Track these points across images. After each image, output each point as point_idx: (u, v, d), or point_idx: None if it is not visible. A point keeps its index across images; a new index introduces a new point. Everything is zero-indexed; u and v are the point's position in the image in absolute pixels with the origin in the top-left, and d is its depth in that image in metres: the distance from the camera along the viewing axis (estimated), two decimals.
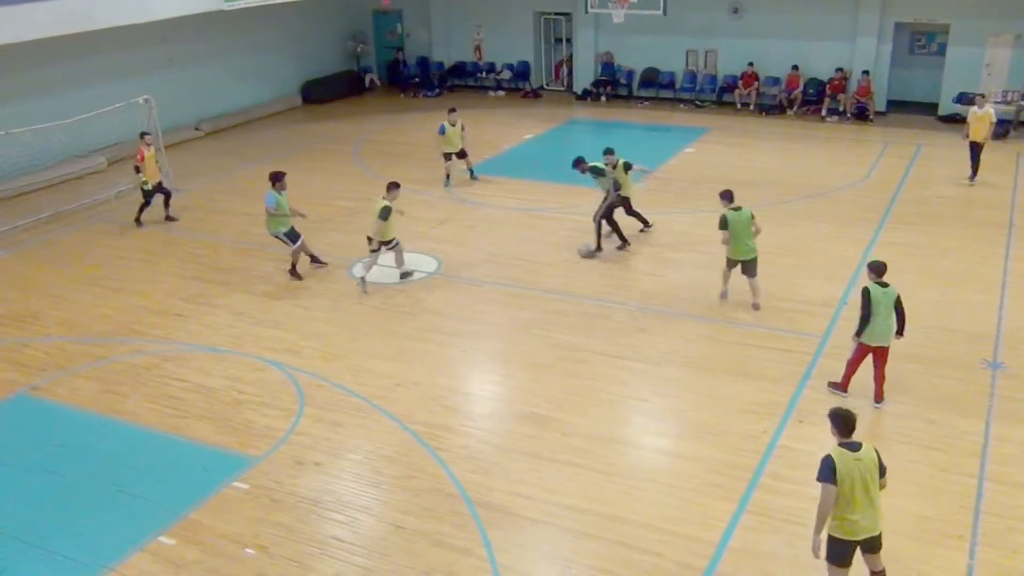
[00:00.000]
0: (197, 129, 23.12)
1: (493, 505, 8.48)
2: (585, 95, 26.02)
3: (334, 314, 12.71)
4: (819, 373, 10.60)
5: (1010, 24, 21.37)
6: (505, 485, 8.78)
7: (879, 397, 9.88)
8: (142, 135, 16.23)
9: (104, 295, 13.61)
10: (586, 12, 23.55)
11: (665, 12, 21.96)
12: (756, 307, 12.22)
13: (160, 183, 16.39)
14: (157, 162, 16.36)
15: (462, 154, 18.50)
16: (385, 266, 13.87)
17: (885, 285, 9.60)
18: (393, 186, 13.45)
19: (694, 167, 19.31)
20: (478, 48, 27.73)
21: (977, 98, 17.37)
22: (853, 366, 9.90)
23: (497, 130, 22.92)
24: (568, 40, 26.94)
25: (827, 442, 9.23)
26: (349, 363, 11.28)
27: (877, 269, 9.73)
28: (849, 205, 16.50)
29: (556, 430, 9.68)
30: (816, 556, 6.75)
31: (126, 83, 20.27)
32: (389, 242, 13.44)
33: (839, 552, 6.72)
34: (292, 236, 13.71)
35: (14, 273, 14.60)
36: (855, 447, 6.62)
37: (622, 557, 7.75)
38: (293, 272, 13.88)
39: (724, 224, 11.93)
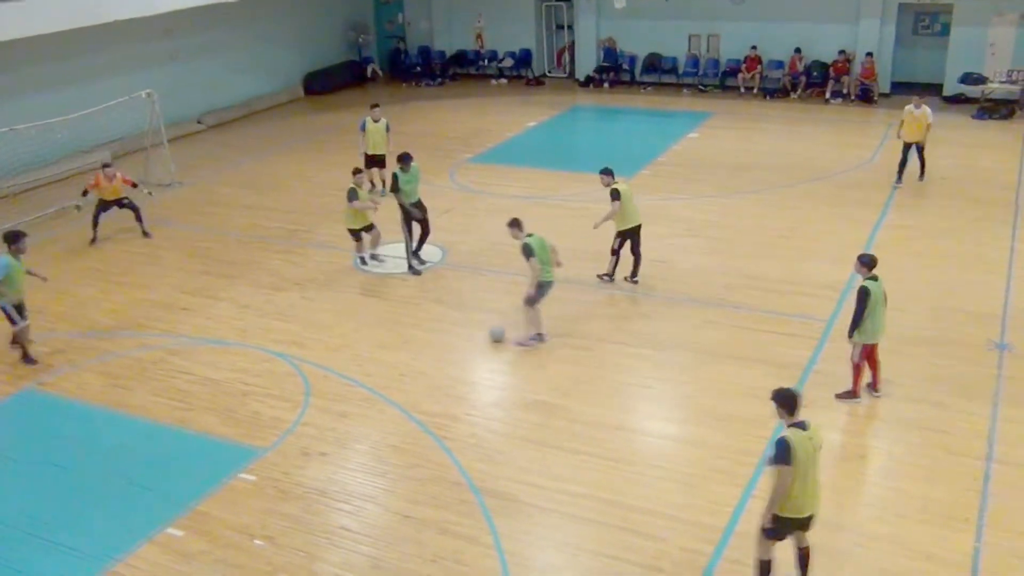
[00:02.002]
0: (199, 123, 23.12)
1: (499, 493, 8.50)
2: (587, 81, 25.94)
3: (339, 305, 12.72)
4: (825, 357, 10.58)
5: (1014, 3, 21.22)
6: (511, 473, 8.79)
7: (877, 386, 9.80)
8: (104, 166, 15.27)
9: (109, 290, 13.64)
10: None
11: None
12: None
13: (122, 200, 15.32)
14: (118, 183, 15.13)
15: (382, 162, 16.53)
16: (390, 256, 13.87)
17: (875, 279, 9.33)
18: (356, 171, 13.44)
19: (698, 152, 19.26)
20: (479, 36, 27.65)
21: (914, 98, 16.13)
22: (861, 369, 9.63)
23: (500, 118, 22.88)
24: (570, 27, 26.85)
25: (835, 424, 9.33)
26: (355, 353, 11.30)
27: (869, 263, 9.37)
28: (854, 187, 16.43)
29: (561, 417, 9.69)
30: (762, 530, 6.80)
31: (129, 77, 20.26)
32: (368, 228, 13.55)
33: (779, 529, 6.74)
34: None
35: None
36: (804, 426, 6.59)
37: (628, 543, 7.76)
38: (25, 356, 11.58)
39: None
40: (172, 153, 18.84)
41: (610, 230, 12.69)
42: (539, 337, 11.34)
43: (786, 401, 6.64)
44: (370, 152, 16.65)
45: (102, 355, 11.64)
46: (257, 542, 8.02)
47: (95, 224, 15.29)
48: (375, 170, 16.72)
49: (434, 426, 9.65)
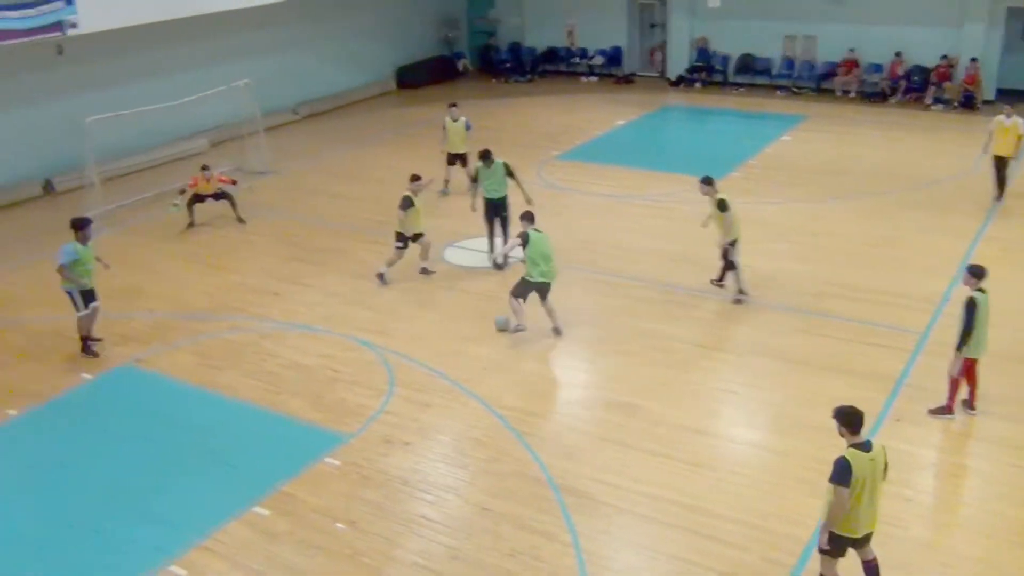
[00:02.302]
0: (295, 112, 23.63)
1: (578, 491, 8.50)
2: (679, 81, 25.67)
3: (424, 296, 12.87)
4: (918, 371, 10.28)
5: None
6: (591, 472, 8.78)
7: (974, 403, 9.48)
8: (203, 168, 15.75)
9: (204, 272, 14.06)
10: None
11: None
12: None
13: (217, 192, 15.83)
14: (214, 181, 15.77)
15: (464, 159, 16.71)
16: (474, 250, 13.98)
17: (984, 291, 9.01)
18: (414, 177, 13.27)
19: (790, 155, 18.89)
20: (571, 33, 27.59)
21: (1005, 108, 15.20)
22: (958, 384, 9.30)
23: (588, 116, 22.82)
24: (662, 25, 26.60)
25: (927, 440, 9.07)
26: (439, 345, 11.42)
27: (979, 275, 9.01)
28: (953, 197, 15.90)
29: (643, 418, 9.64)
30: (820, 551, 6.73)
31: (228, 67, 20.83)
32: (418, 236, 13.20)
33: (837, 547, 6.65)
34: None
35: (120, 250, 15.16)
36: (867, 447, 6.42)
37: (707, 549, 7.68)
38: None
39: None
40: (267, 142, 19.31)
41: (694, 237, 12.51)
42: (520, 327, 11.48)
43: (849, 419, 6.47)
44: (450, 151, 16.82)
45: (196, 335, 12.01)
46: (339, 525, 8.19)
47: (191, 211, 15.78)
48: (456, 166, 16.89)
49: (515, 421, 9.70)
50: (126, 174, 18.97)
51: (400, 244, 13.07)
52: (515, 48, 28.33)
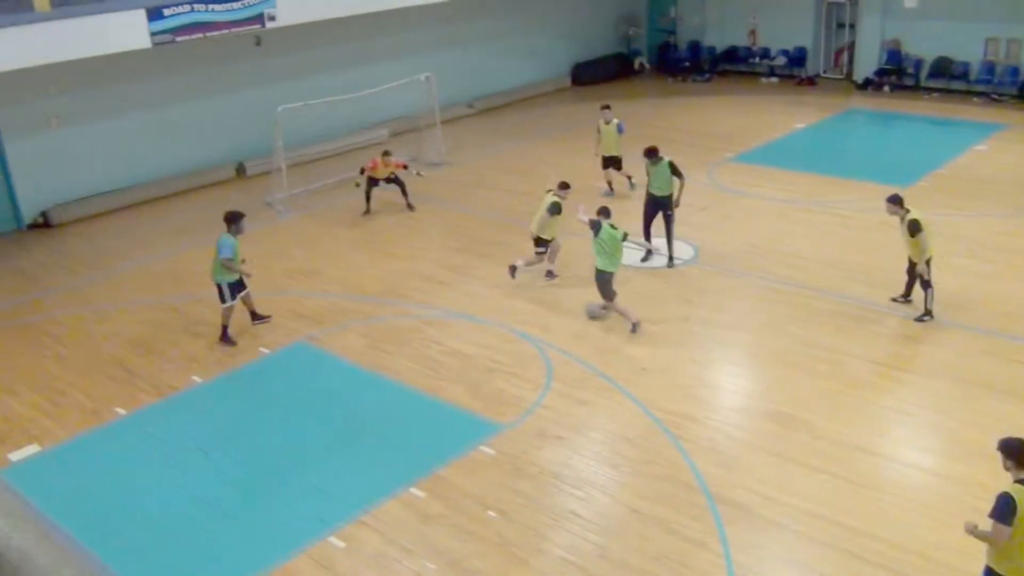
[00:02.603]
0: (470, 107, 24.14)
1: (733, 501, 8.28)
2: (866, 84, 24.52)
3: (587, 294, 12.85)
4: None
5: None
6: (747, 482, 8.54)
7: None
8: (384, 154, 16.31)
9: (377, 258, 14.60)
10: None
11: None
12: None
13: (390, 176, 16.33)
14: (392, 165, 16.31)
15: (618, 163, 16.57)
16: (634, 245, 13.85)
17: None
18: (564, 185, 13.24)
19: (985, 166, 17.68)
20: (753, 32, 26.88)
21: None
22: None
23: (767, 118, 22.16)
24: (851, 25, 25.45)
25: None
26: (598, 343, 11.40)
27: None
28: None
29: (805, 432, 9.28)
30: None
31: (410, 60, 21.55)
32: (548, 241, 13.13)
33: None
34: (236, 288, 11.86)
35: (303, 232, 16.01)
36: None
37: (866, 574, 7.31)
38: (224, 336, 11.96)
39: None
40: (443, 134, 19.82)
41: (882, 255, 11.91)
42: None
43: (1015, 452, 6.02)
44: (604, 154, 16.70)
45: (366, 318, 12.49)
46: (491, 513, 8.31)
47: (367, 198, 16.42)
48: (611, 170, 16.76)
49: (671, 424, 9.56)
50: (311, 161, 19.94)
51: (541, 249, 13.13)
52: (694, 47, 27.87)
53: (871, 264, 13.14)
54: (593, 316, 12.00)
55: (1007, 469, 6.11)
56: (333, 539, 8.07)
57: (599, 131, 16.64)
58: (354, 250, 15.03)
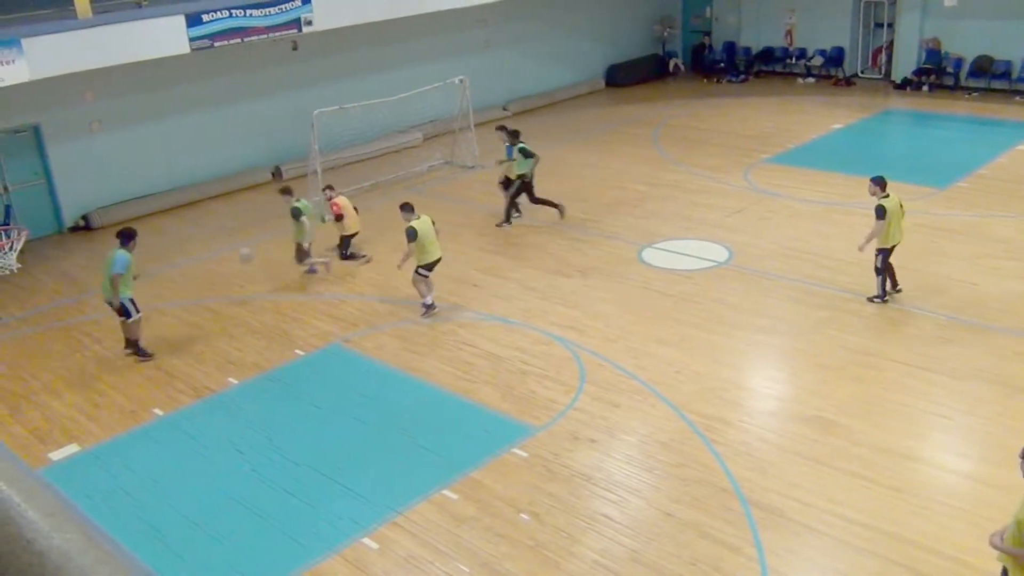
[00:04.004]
0: (504, 109, 24.18)
1: (767, 506, 8.22)
2: (904, 84, 24.20)
3: (620, 296, 12.85)
4: None
5: None
6: (782, 487, 8.47)
7: None
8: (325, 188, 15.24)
9: (410, 261, 14.62)
10: None
11: None
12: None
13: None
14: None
15: (508, 184, 15.93)
16: (673, 251, 13.80)
17: None
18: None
19: None
20: (789, 33, 26.65)
21: None
22: None
23: (803, 118, 21.97)
24: (889, 25, 25.14)
25: None
26: (631, 346, 11.37)
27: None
28: None
29: (841, 436, 9.18)
30: None
31: (444, 63, 21.62)
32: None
33: None
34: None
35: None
36: None
37: None
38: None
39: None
40: (477, 137, 19.86)
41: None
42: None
43: None
44: (506, 175, 16.12)
45: (400, 321, 12.56)
46: (523, 516, 8.32)
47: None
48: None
49: (705, 428, 9.51)
50: (346, 164, 20.07)
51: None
52: (730, 47, 27.69)
53: (908, 267, 12.97)
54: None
55: None
56: (366, 540, 8.13)
57: (510, 156, 15.99)
58: (390, 253, 15.07)
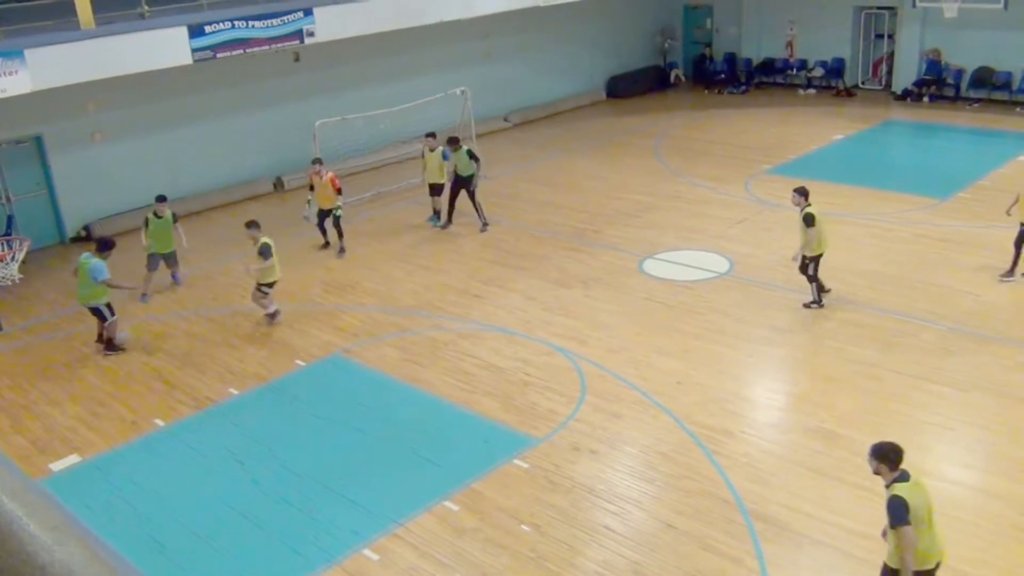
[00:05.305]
0: (506, 120, 24.23)
1: (770, 518, 8.20)
2: (905, 95, 24.24)
3: (621, 306, 12.84)
4: None
5: None
6: (784, 499, 8.45)
7: None
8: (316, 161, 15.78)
9: (413, 271, 14.68)
10: (914, 6, 21.98)
11: (1007, 6, 19.94)
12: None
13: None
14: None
15: (441, 190, 16.44)
16: (674, 262, 13.79)
17: None
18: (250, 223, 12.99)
19: None
20: (790, 44, 26.71)
21: None
22: None
23: (804, 129, 22.00)
24: (890, 36, 25.20)
25: None
26: (633, 356, 11.36)
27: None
28: None
29: (844, 448, 9.16)
30: None
31: (446, 75, 21.67)
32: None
33: None
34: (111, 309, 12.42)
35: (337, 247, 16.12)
36: (906, 477, 6.28)
37: None
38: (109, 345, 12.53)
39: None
40: (479, 147, 19.87)
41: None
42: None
43: (888, 454, 6.28)
44: (429, 181, 16.63)
45: (401, 331, 12.56)
46: (524, 527, 8.30)
47: (322, 231, 16.03)
48: (437, 197, 16.64)
49: (706, 439, 9.49)
50: (348, 175, 20.06)
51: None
52: (730, 59, 27.75)
53: (909, 277, 12.99)
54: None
55: (880, 473, 6.34)
56: (367, 552, 8.10)
57: (423, 157, 16.57)
58: (389, 263, 15.12)
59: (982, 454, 9.10)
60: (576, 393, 10.57)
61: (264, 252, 12.49)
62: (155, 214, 14.33)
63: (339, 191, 15.37)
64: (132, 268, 15.60)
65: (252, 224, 12.85)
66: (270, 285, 12.71)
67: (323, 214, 15.67)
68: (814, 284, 12.16)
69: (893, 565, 6.33)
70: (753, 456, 9.17)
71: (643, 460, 9.26)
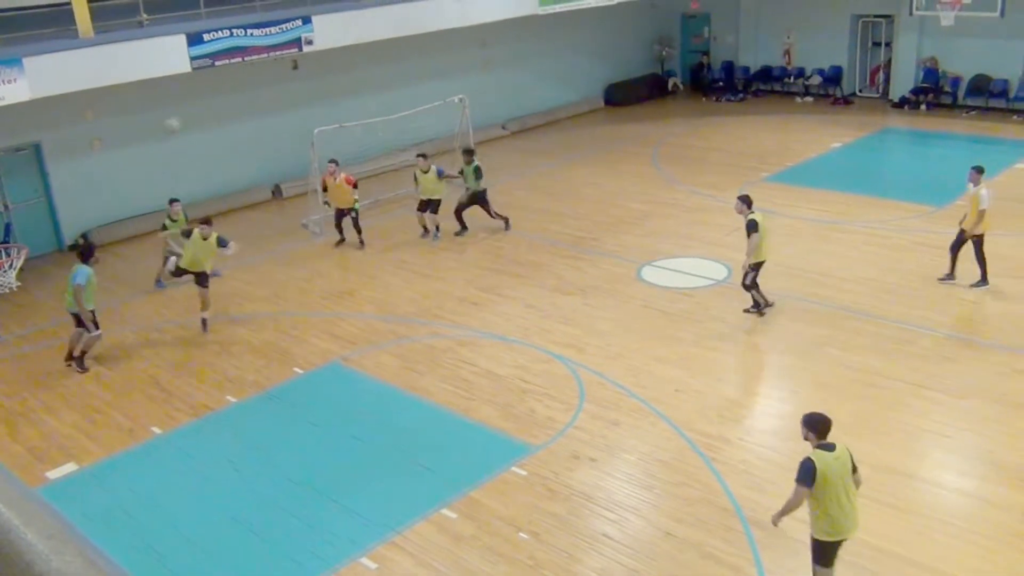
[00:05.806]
0: (503, 128, 24.26)
1: (768, 525, 8.16)
2: (902, 103, 24.30)
3: (619, 314, 12.84)
4: None
5: None
6: (782, 506, 8.41)
7: None
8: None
9: (411, 279, 14.68)
10: (911, 14, 22.00)
11: (1003, 14, 20.00)
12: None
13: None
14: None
15: (435, 207, 16.29)
16: (673, 270, 13.79)
17: None
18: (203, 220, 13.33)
19: None
20: (787, 52, 26.78)
21: (971, 172, 12.72)
22: None
23: (802, 137, 22.05)
24: (887, 44, 25.28)
25: None
26: (631, 364, 11.35)
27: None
28: None
29: None
30: (774, 525, 7.05)
31: (444, 83, 21.72)
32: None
33: (827, 554, 6.81)
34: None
35: (337, 254, 16.14)
36: (831, 447, 6.68)
37: None
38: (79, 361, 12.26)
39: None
40: (477, 155, 19.87)
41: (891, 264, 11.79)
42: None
43: (816, 425, 6.73)
44: (423, 197, 16.41)
45: (399, 339, 12.55)
46: (522, 535, 8.29)
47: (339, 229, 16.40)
48: (426, 213, 16.40)
49: (705, 446, 9.48)
50: None
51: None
52: (728, 67, 27.81)
53: (907, 284, 13.00)
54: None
55: (807, 439, 6.83)
56: (365, 560, 8.09)
57: (416, 179, 16.37)
58: (388, 271, 15.12)
59: (980, 461, 9.09)
60: (575, 401, 10.56)
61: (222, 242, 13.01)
62: (169, 218, 14.25)
63: (355, 186, 15.81)
64: (134, 275, 15.61)
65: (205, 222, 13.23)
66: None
67: (340, 213, 16.02)
68: (755, 291, 12.23)
69: (817, 536, 6.79)
70: (752, 463, 9.16)
71: (642, 468, 9.25)
